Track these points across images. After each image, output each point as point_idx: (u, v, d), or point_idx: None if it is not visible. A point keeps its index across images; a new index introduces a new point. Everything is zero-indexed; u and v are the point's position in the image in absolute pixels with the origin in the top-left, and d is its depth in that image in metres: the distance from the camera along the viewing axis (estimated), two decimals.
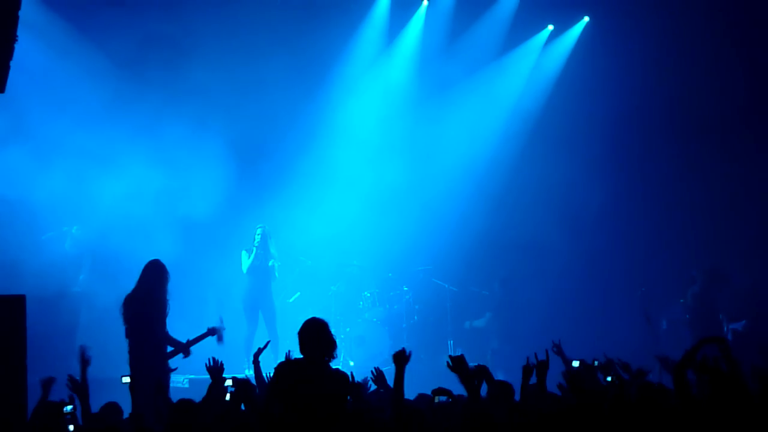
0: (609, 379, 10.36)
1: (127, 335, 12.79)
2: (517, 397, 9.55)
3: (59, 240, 17.83)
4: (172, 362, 12.90)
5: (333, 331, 8.93)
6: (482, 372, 9.19)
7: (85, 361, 10.38)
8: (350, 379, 8.94)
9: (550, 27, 21.10)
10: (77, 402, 9.90)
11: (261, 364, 10.84)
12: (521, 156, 20.77)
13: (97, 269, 17.65)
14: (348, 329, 18.88)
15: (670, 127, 20.51)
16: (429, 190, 20.50)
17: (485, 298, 19.63)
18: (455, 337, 19.49)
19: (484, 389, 9.13)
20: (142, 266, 13.11)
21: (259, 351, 10.99)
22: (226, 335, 13.36)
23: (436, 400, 9.17)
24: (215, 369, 9.73)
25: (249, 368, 13.13)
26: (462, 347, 19.36)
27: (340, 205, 19.93)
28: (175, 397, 9.97)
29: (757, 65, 19.91)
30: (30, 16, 17.39)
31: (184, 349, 12.90)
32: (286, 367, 8.91)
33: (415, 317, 19.51)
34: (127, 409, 10.40)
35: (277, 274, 18.27)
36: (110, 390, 11.94)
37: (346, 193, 20.07)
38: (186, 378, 15.96)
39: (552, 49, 21.23)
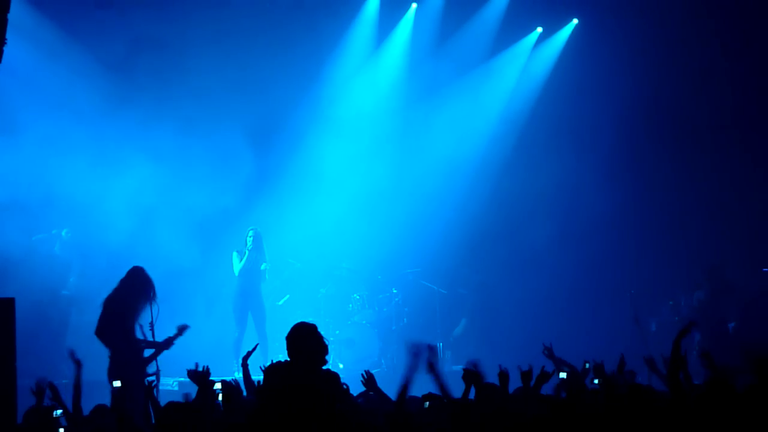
0: (596, 381, 10.35)
1: (101, 337, 12.85)
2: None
3: (49, 242, 17.80)
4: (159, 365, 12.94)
5: (322, 333, 8.90)
6: (471, 375, 9.18)
7: (77, 363, 10.33)
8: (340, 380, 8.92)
9: (539, 29, 21.14)
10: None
11: (250, 367, 10.83)
12: (510, 158, 20.81)
13: (87, 272, 17.62)
14: (337, 332, 18.88)
15: (658, 130, 20.57)
16: (418, 192, 20.51)
17: (477, 300, 19.69)
18: (445, 340, 19.53)
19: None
20: (134, 269, 13.14)
21: (248, 354, 10.98)
22: (216, 338, 13.35)
23: (426, 405, 9.15)
24: (199, 375, 9.69)
25: (238, 371, 13.09)
26: (451, 350, 19.42)
27: (330, 208, 19.94)
28: (164, 399, 9.95)
29: (745, 67, 19.96)
30: (18, 18, 17.36)
31: (164, 345, 12.89)
32: (276, 369, 8.88)
33: (405, 320, 19.52)
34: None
35: (267, 276, 18.28)
36: (100, 392, 11.95)
37: (336, 196, 20.08)
38: (175, 380, 15.95)
39: (541, 51, 21.27)
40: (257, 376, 9.65)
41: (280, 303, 19.39)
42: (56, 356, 16.95)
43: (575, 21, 20.97)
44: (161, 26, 18.70)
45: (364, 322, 19.13)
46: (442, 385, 8.79)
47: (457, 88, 20.92)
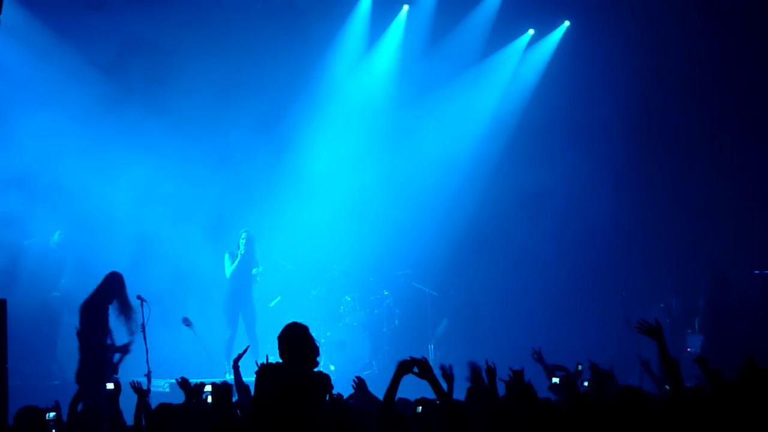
0: (586, 384, 10.38)
1: (78, 339, 12.93)
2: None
3: (41, 245, 17.77)
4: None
5: (314, 335, 8.89)
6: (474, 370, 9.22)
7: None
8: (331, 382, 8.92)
9: (531, 31, 21.16)
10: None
11: (241, 369, 10.83)
12: (501, 160, 20.81)
13: (78, 274, 17.59)
14: (329, 333, 18.87)
15: (649, 132, 20.59)
16: (409, 194, 20.50)
17: (463, 301, 19.72)
18: (436, 342, 19.54)
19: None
20: (123, 270, 13.19)
21: (239, 356, 10.98)
22: (208, 339, 13.35)
23: (419, 409, 9.15)
24: (186, 384, 9.71)
25: (229, 372, 13.09)
26: (441, 351, 19.42)
27: (321, 210, 19.92)
28: (155, 401, 9.95)
29: (737, 70, 20.00)
30: (10, 19, 17.36)
31: (123, 349, 12.95)
32: (267, 370, 8.87)
33: (396, 321, 19.53)
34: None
35: (258, 278, 18.28)
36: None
37: (327, 198, 20.06)
38: (167, 382, 15.94)
39: (532, 53, 21.29)
40: (248, 378, 9.65)
41: (272, 305, 19.37)
42: (47, 357, 16.96)
43: (567, 23, 20.99)
44: (153, 28, 18.69)
45: (355, 323, 19.12)
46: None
47: (448, 90, 20.92)
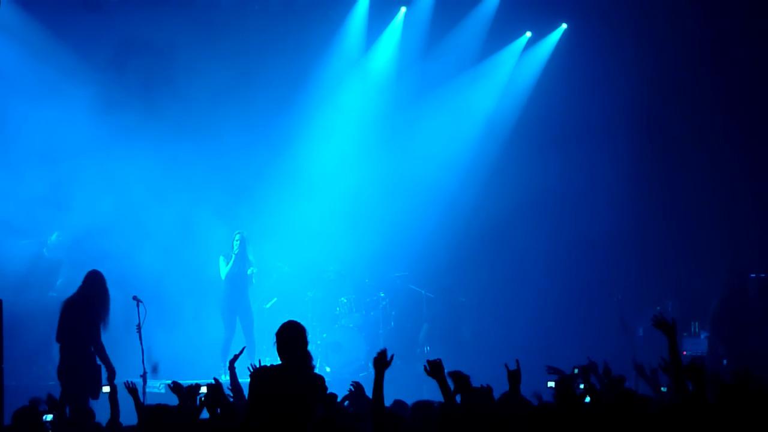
0: (582, 386, 10.35)
1: (58, 339, 12.93)
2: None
3: (37, 245, 17.75)
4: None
5: (309, 337, 8.86)
6: (460, 379, 9.17)
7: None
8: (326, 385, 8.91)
9: (528, 34, 21.15)
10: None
11: (237, 370, 10.82)
12: (498, 163, 20.80)
13: (75, 274, 17.58)
14: (325, 335, 18.87)
15: (646, 136, 20.59)
16: (406, 196, 20.49)
17: (461, 305, 19.69)
18: (432, 343, 19.51)
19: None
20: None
21: (235, 357, 10.97)
22: (204, 341, 13.34)
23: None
24: (178, 390, 9.71)
25: (225, 374, 13.09)
26: (436, 353, 19.39)
27: (318, 211, 19.91)
28: (150, 402, 9.94)
29: (734, 73, 19.99)
30: (6, 18, 17.37)
31: (109, 371, 12.88)
32: (262, 372, 8.85)
33: (392, 323, 19.53)
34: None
35: (254, 280, 18.28)
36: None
37: (324, 199, 20.06)
38: (162, 383, 15.92)
39: (530, 55, 21.28)
40: (244, 380, 9.64)
41: (268, 306, 19.38)
42: (44, 358, 16.93)
43: (564, 26, 20.98)
44: (150, 29, 18.68)
45: (351, 325, 19.13)
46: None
47: (445, 92, 20.92)
